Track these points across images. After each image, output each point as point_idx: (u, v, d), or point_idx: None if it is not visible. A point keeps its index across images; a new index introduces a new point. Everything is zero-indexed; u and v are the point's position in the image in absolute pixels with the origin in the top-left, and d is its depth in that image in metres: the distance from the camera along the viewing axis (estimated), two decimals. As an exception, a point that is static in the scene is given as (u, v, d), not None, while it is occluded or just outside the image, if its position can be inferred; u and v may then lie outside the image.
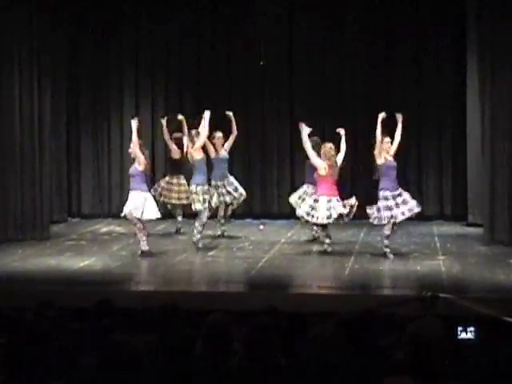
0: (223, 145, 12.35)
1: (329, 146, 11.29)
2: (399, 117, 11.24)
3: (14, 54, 12.47)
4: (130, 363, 3.85)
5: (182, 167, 12.88)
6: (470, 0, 13.06)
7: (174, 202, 13.02)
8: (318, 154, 11.24)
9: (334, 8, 14.59)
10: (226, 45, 14.96)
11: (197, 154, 11.59)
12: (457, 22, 13.94)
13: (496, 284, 9.26)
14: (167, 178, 13.10)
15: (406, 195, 11.00)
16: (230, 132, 12.49)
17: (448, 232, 13.28)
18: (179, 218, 13.14)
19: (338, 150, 11.45)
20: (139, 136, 11.38)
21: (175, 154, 12.92)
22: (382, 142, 10.95)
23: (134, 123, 11.24)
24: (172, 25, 14.95)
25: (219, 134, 12.33)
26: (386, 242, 10.92)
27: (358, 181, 14.96)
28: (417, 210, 10.96)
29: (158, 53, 15.17)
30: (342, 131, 11.72)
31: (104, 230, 13.67)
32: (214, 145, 12.24)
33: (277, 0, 14.59)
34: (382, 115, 11.02)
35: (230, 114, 12.55)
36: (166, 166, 14.01)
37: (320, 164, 11.11)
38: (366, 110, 14.64)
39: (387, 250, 10.86)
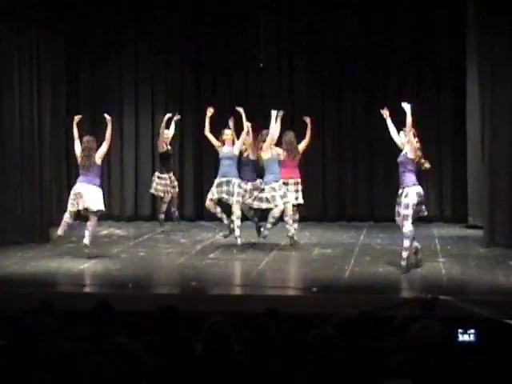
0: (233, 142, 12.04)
1: (290, 133, 12.02)
2: (407, 106, 10.16)
3: (13, 56, 12.47)
4: (129, 366, 3.84)
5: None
6: (470, 6, 13.07)
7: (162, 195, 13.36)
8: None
9: (333, 12, 14.60)
10: (225, 47, 14.96)
11: (265, 155, 11.61)
12: (457, 28, 13.94)
13: (496, 286, 9.25)
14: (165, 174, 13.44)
15: (402, 199, 9.96)
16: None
17: (448, 234, 13.28)
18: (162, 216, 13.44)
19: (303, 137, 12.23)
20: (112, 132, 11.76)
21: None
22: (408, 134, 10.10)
23: (75, 119, 11.52)
24: (171, 28, 14.95)
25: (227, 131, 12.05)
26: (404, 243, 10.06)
27: (358, 182, 14.98)
28: (396, 217, 10.05)
29: (157, 55, 15.18)
30: (308, 119, 12.23)
31: (104, 232, 13.67)
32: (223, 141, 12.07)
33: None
34: (385, 112, 10.55)
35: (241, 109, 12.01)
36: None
37: (280, 150, 11.87)
38: (367, 112, 14.68)
39: (403, 255, 9.98)
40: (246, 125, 11.86)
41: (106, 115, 11.66)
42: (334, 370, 4.17)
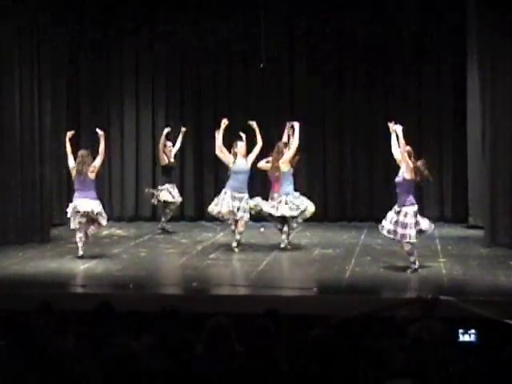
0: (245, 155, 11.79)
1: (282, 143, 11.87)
2: (399, 128, 10.20)
3: (14, 56, 12.47)
4: (129, 366, 3.84)
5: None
6: (471, 3, 13.08)
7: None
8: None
9: (333, 11, 14.58)
10: (226, 47, 14.95)
11: (284, 167, 11.59)
12: (457, 26, 13.94)
13: (497, 286, 9.25)
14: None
15: (400, 218, 9.99)
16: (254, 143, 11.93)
17: (449, 234, 13.28)
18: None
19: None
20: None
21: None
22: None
23: (67, 135, 11.57)
24: (172, 27, 14.94)
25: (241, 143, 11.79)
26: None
27: (358, 181, 14.98)
28: (384, 231, 10.16)
29: (157, 54, 15.18)
30: (296, 124, 11.87)
31: (105, 233, 13.65)
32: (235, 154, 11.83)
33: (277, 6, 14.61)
34: (392, 126, 10.34)
35: (253, 123, 11.97)
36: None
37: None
38: (367, 112, 14.67)
39: (413, 266, 10.08)
40: (259, 139, 11.82)
41: (98, 130, 11.59)
42: (335, 370, 4.17)
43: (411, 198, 10.03)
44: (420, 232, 10.13)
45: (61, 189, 14.52)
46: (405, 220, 9.95)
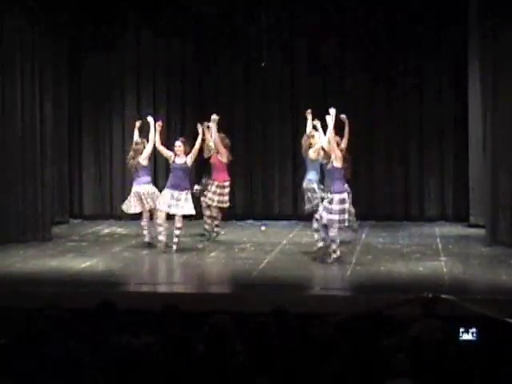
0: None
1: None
2: (333, 111, 10.49)
3: (15, 55, 12.46)
4: (131, 364, 3.85)
5: None
6: (473, 6, 13.09)
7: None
8: None
9: (334, 8, 14.57)
10: (228, 46, 14.96)
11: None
12: (459, 28, 13.95)
13: (498, 285, 9.26)
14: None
15: (325, 203, 10.36)
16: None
17: (450, 233, 13.28)
18: None
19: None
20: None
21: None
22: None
23: (136, 124, 12.20)
24: (173, 28, 14.95)
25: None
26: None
27: (359, 180, 14.97)
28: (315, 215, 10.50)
29: (159, 54, 15.18)
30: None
31: (106, 231, 13.68)
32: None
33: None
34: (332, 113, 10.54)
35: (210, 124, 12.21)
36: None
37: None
38: (368, 111, 14.66)
39: (334, 255, 10.40)
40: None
41: (148, 118, 12.00)
42: (335, 369, 4.17)
43: (341, 186, 10.34)
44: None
45: (62, 187, 14.53)
46: (330, 206, 10.24)
